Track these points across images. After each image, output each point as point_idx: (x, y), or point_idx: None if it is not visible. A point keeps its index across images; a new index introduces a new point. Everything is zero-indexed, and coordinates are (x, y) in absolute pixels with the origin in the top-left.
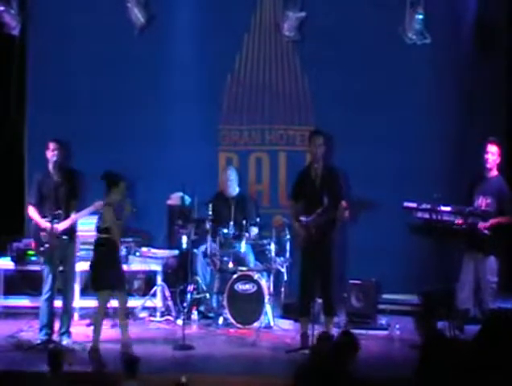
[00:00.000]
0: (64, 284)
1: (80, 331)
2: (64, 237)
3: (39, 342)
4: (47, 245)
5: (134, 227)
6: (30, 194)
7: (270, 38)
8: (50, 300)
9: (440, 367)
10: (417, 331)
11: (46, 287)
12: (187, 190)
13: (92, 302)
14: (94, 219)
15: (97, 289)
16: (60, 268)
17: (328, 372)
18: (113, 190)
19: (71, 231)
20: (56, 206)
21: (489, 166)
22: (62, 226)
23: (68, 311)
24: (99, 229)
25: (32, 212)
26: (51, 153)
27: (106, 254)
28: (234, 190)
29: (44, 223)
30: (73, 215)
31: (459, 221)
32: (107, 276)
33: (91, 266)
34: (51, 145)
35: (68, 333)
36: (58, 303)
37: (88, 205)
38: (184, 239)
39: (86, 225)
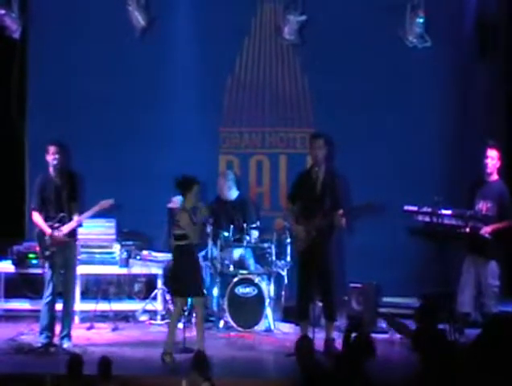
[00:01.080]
0: (64, 287)
1: (81, 335)
2: (69, 239)
3: (39, 345)
4: (53, 249)
5: (134, 231)
6: (31, 199)
7: (270, 41)
8: (51, 304)
9: (441, 369)
10: (415, 333)
11: (47, 291)
12: None
13: (91, 305)
14: (96, 223)
15: (174, 295)
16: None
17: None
18: (186, 196)
19: (72, 234)
20: (59, 209)
21: (488, 170)
22: (67, 228)
23: (68, 314)
24: (176, 236)
25: (36, 218)
26: (52, 157)
27: (186, 261)
28: (233, 193)
29: (48, 230)
30: (76, 217)
31: (460, 225)
32: (186, 283)
33: (172, 273)
34: (52, 149)
35: (68, 336)
36: (58, 306)
37: (88, 206)
38: None
39: (87, 228)
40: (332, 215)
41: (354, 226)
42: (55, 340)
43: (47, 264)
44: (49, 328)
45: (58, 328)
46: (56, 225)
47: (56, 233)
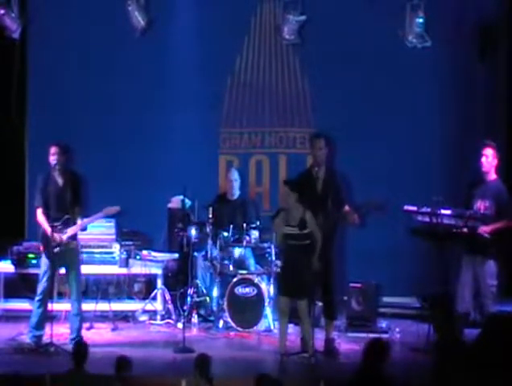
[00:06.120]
0: (71, 289)
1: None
2: (72, 241)
3: (31, 344)
4: (56, 249)
5: (134, 230)
6: (35, 197)
7: (270, 40)
8: (42, 302)
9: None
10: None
11: (40, 289)
12: (187, 194)
13: (91, 305)
14: (95, 223)
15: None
16: (62, 271)
17: None
18: None
19: (73, 236)
20: (62, 211)
21: (484, 169)
22: (70, 231)
23: (75, 317)
24: None
25: (40, 217)
26: (52, 158)
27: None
28: (236, 191)
29: (49, 229)
30: (79, 221)
31: (459, 224)
32: (290, 282)
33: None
34: (51, 150)
35: (78, 338)
36: (58, 307)
37: (89, 207)
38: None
39: (87, 228)
40: (338, 214)
41: (354, 227)
42: (67, 341)
43: (45, 263)
44: (37, 327)
45: (60, 328)
46: (59, 227)
47: (56, 235)
